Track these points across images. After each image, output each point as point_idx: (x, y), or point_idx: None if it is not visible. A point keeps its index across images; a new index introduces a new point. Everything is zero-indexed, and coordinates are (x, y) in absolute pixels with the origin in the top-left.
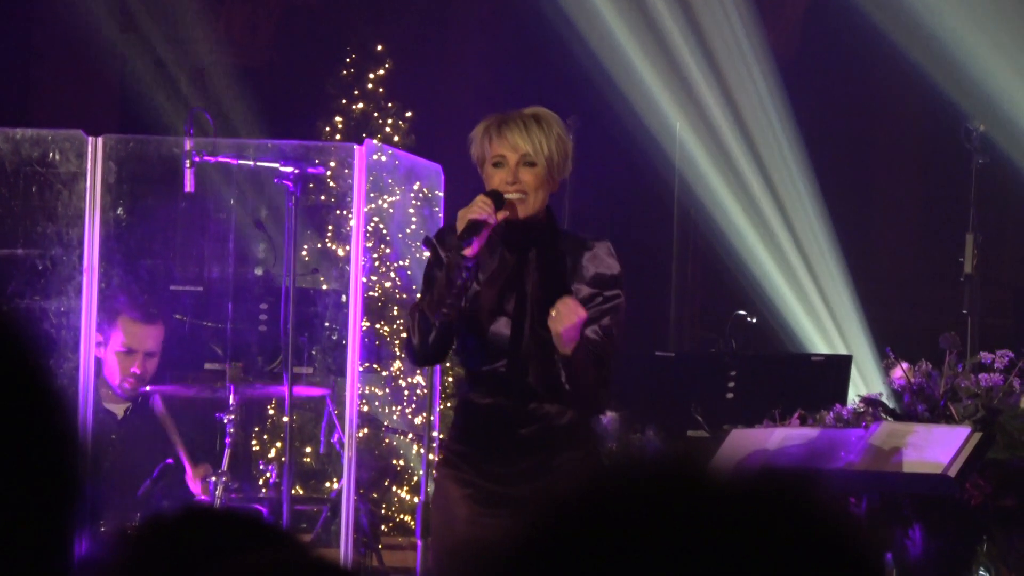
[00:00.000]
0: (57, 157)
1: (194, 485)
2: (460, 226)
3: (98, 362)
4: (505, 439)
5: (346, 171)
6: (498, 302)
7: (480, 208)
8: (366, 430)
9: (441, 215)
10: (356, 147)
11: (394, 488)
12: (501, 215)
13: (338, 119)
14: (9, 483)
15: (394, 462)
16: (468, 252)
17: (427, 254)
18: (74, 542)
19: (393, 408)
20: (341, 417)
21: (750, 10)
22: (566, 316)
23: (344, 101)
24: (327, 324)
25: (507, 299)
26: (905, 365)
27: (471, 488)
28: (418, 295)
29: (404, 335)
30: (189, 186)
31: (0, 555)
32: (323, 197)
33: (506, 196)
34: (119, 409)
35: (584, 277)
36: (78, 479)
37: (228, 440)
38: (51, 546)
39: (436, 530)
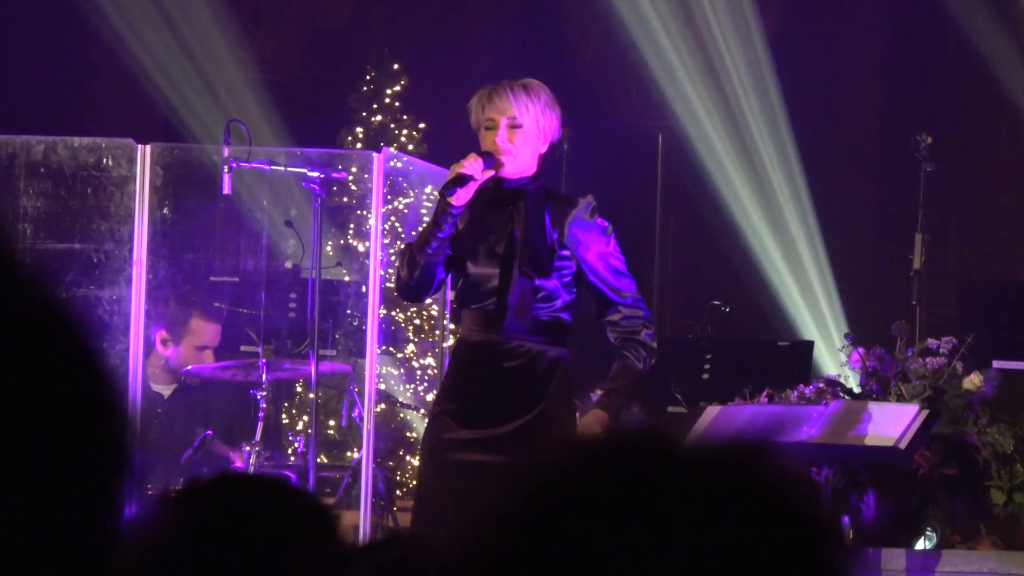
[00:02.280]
0: (110, 163)
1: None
2: (449, 177)
3: (150, 349)
4: (493, 372)
5: (366, 176)
6: (489, 245)
7: (469, 164)
8: (383, 406)
9: None
10: (375, 154)
11: (408, 457)
12: (488, 173)
13: (359, 129)
14: (63, 451)
15: (408, 434)
16: (453, 200)
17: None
18: (123, 503)
19: (407, 386)
20: (361, 394)
21: (728, 14)
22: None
23: (364, 113)
24: (349, 311)
25: (497, 243)
26: (861, 350)
27: (457, 437)
28: (393, 255)
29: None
30: (227, 189)
31: (56, 517)
32: (345, 199)
33: (497, 156)
34: (166, 390)
35: (568, 241)
36: (124, 448)
37: (261, 414)
38: (102, 507)
39: (423, 477)
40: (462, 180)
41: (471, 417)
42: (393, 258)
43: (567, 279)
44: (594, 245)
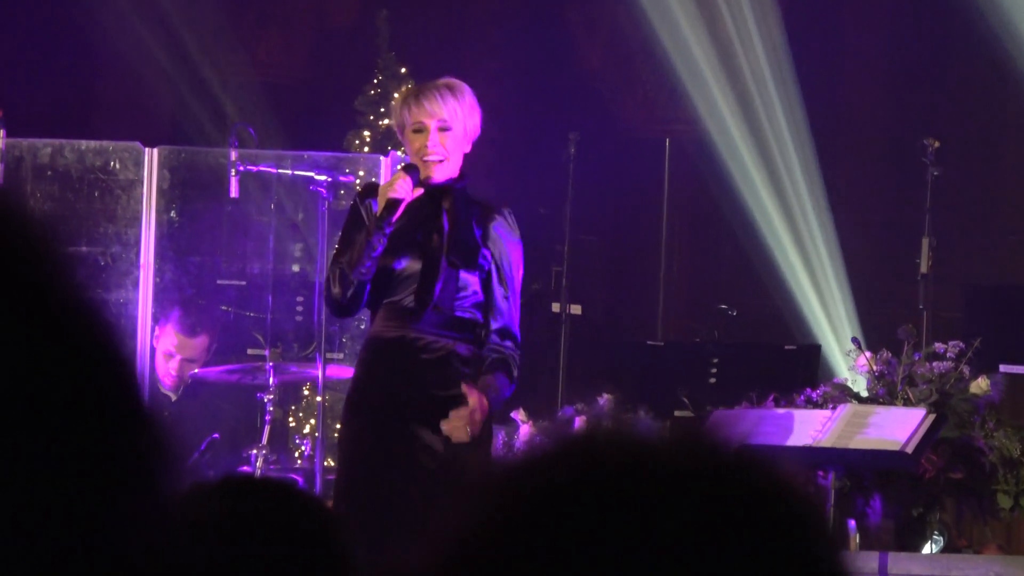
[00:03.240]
0: (117, 166)
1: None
2: (380, 204)
3: (153, 351)
4: (408, 365)
5: (373, 179)
6: (412, 238)
7: (400, 186)
8: None
9: None
10: (382, 158)
11: None
12: (417, 191)
13: (366, 133)
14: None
15: None
16: (389, 221)
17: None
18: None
19: None
20: None
21: (737, 22)
22: (470, 425)
23: (371, 117)
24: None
25: (422, 236)
26: (868, 354)
27: (372, 428)
28: (335, 248)
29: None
30: (234, 192)
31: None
32: (352, 202)
33: (427, 159)
34: (173, 393)
35: (490, 245)
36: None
37: (268, 417)
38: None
39: (340, 469)
40: (395, 205)
41: (388, 415)
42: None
43: (484, 277)
44: (509, 253)
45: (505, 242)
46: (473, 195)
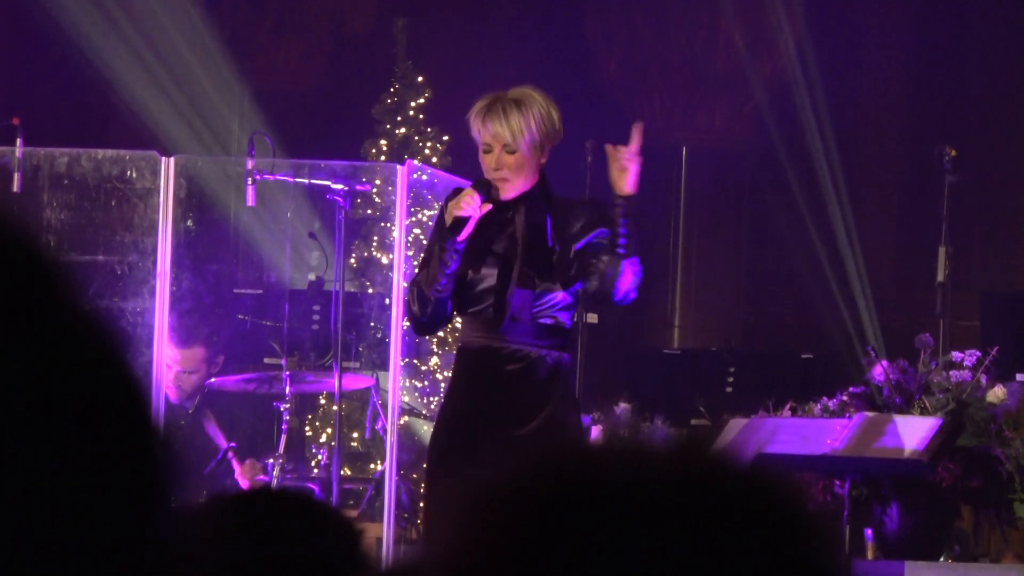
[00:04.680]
0: (134, 174)
1: (243, 482)
2: (448, 220)
3: None
4: (494, 377)
5: (390, 188)
6: (488, 249)
7: (467, 203)
8: (406, 418)
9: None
10: (399, 167)
11: None
12: (486, 207)
13: (383, 142)
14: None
15: None
16: (458, 239)
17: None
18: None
19: (430, 398)
20: (384, 406)
21: (751, 30)
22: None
23: (388, 126)
24: (372, 324)
25: (497, 246)
26: (884, 362)
27: (466, 439)
28: (416, 267)
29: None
30: (251, 201)
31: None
32: (369, 211)
33: (494, 178)
34: (190, 403)
35: (572, 232)
36: (162, 454)
37: (284, 426)
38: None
39: (431, 485)
40: (463, 223)
41: (478, 424)
42: (416, 270)
43: (568, 281)
44: (584, 218)
45: (591, 212)
46: (556, 195)
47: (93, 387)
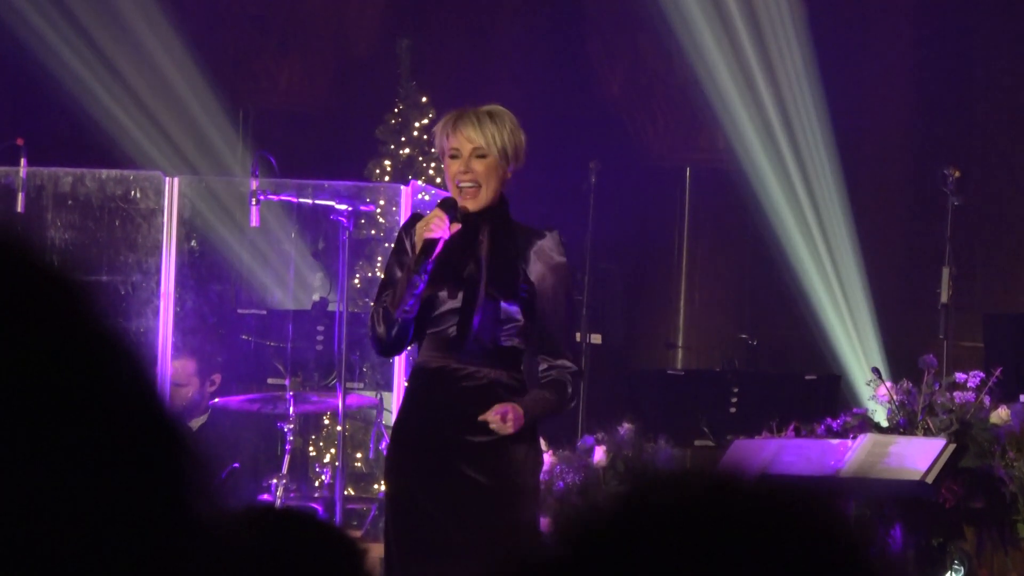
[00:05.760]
0: (138, 195)
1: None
2: (417, 244)
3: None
4: (451, 396)
5: (394, 208)
6: (451, 269)
7: (436, 225)
8: None
9: None
10: (403, 187)
11: None
12: (455, 227)
13: (387, 162)
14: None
15: None
16: (428, 261)
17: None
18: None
19: None
20: (388, 426)
21: (756, 53)
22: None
23: (392, 146)
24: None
25: (461, 267)
26: (888, 384)
27: (414, 459)
28: (380, 285)
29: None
30: (255, 221)
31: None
32: (373, 231)
33: (461, 185)
34: (195, 423)
35: (530, 270)
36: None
37: (288, 447)
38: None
39: (386, 501)
40: (432, 245)
41: (430, 432)
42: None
43: (525, 301)
44: (550, 275)
45: (545, 264)
46: (517, 221)
47: (121, 399)
